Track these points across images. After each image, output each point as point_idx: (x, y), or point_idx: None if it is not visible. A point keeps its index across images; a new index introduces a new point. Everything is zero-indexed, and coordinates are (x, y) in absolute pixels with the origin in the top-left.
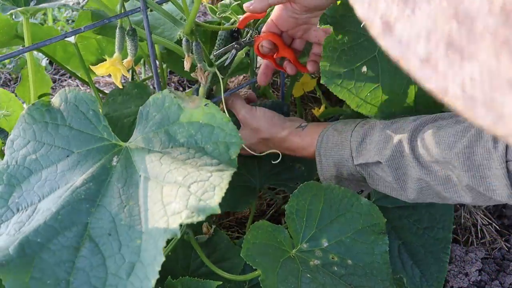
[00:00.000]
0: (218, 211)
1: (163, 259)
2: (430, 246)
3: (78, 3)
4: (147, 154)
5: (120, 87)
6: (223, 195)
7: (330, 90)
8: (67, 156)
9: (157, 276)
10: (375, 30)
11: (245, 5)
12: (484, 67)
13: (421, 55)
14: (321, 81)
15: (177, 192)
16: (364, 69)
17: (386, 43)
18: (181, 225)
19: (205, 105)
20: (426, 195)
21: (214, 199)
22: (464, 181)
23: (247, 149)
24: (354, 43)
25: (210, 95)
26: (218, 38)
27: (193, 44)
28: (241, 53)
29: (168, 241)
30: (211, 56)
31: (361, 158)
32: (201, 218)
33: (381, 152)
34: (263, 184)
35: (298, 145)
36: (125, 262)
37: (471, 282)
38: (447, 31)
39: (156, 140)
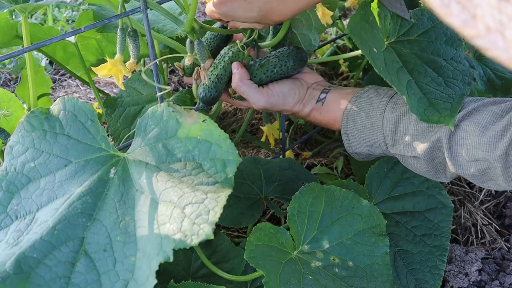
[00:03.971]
0: (211, 237)
1: (155, 281)
2: (426, 254)
3: (76, 0)
4: (145, 168)
5: (123, 88)
6: (217, 220)
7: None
8: (65, 165)
9: None
10: None
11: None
12: None
13: None
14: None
15: (172, 213)
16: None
17: None
18: (174, 249)
19: (203, 121)
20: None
21: (207, 224)
22: (500, 178)
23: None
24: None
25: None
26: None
27: (195, 43)
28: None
29: None
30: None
31: (397, 147)
32: (194, 243)
33: (418, 146)
34: (268, 196)
35: (321, 121)
36: (119, 279)
37: (471, 282)
38: None
39: (153, 154)
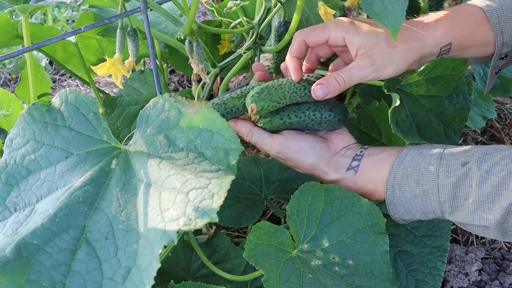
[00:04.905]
0: (216, 220)
1: (159, 265)
2: (426, 255)
3: (76, 1)
4: (147, 158)
5: (121, 87)
6: (221, 203)
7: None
8: (66, 157)
9: (153, 282)
10: None
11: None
12: None
13: None
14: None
15: (175, 199)
16: None
17: None
18: (178, 232)
19: (205, 110)
20: None
21: (212, 208)
22: None
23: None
24: None
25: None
26: None
27: (194, 45)
28: (247, 54)
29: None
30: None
31: (458, 215)
32: (199, 226)
33: (487, 214)
34: (268, 195)
35: (356, 191)
36: (121, 266)
37: (471, 282)
38: None
39: (155, 144)
